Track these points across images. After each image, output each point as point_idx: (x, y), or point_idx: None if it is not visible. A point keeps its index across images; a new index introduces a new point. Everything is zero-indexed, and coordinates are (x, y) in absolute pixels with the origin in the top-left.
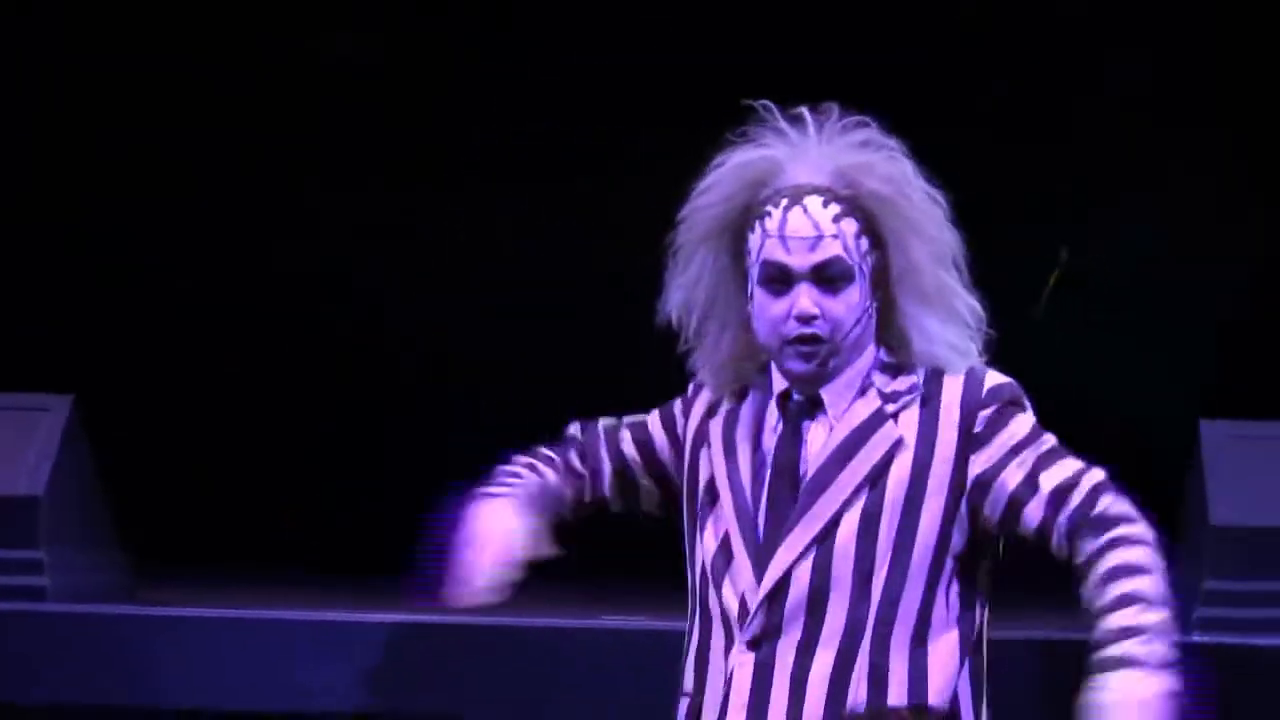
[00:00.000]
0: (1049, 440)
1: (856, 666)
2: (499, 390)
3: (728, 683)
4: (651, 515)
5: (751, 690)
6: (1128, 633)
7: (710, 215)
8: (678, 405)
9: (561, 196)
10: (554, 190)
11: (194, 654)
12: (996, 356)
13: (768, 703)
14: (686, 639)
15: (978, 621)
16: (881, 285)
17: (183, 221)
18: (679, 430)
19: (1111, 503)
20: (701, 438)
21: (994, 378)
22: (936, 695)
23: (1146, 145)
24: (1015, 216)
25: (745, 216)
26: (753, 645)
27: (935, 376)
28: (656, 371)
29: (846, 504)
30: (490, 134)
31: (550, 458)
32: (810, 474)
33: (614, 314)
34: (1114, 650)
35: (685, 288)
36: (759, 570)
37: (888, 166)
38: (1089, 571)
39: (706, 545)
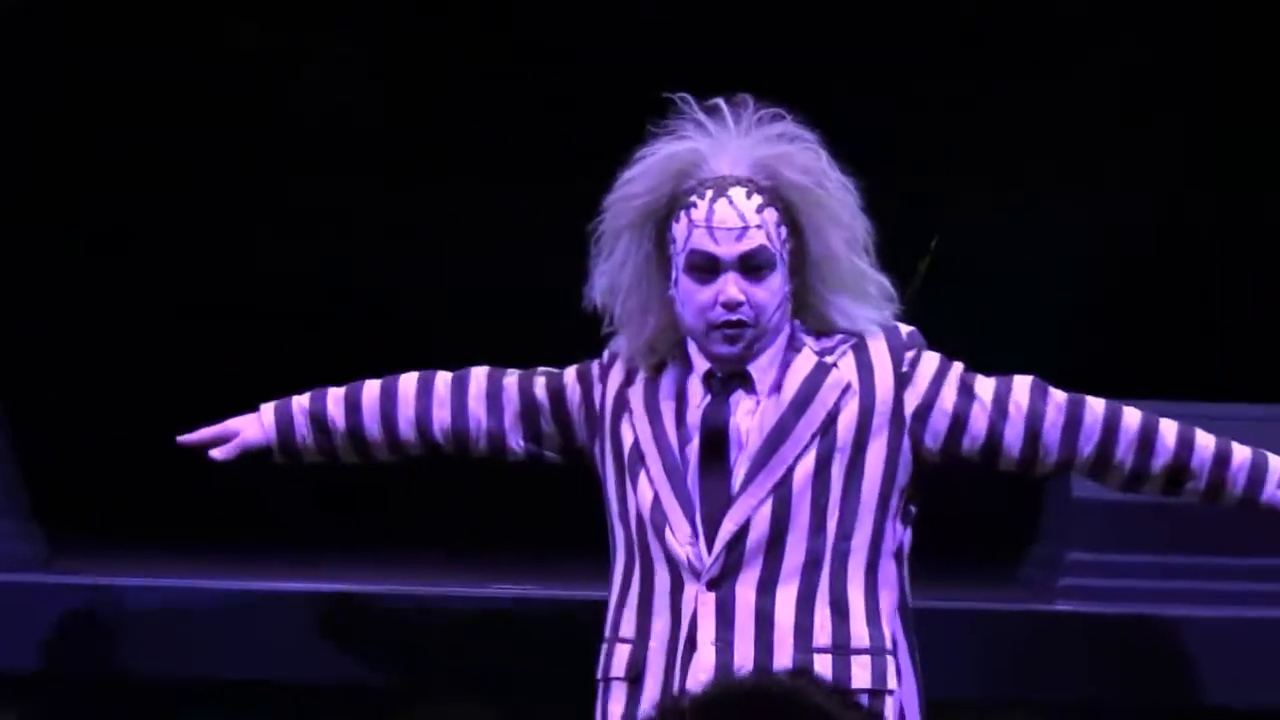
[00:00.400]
0: (960, 366)
1: (818, 598)
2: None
3: (692, 623)
4: (546, 459)
5: (717, 627)
6: (1228, 445)
7: (636, 205)
8: (595, 369)
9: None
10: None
11: (110, 622)
12: None
13: (733, 638)
14: (620, 588)
15: (906, 552)
16: (799, 270)
17: (93, 198)
18: (595, 394)
19: (1060, 393)
20: (622, 404)
21: (905, 326)
22: (887, 621)
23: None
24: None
25: (669, 206)
26: (712, 585)
27: (857, 335)
28: None
29: (803, 451)
30: (490, 133)
31: (431, 387)
32: (765, 431)
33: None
34: (1246, 452)
35: (610, 273)
36: (703, 523)
37: (804, 158)
38: (1110, 452)
39: (641, 500)
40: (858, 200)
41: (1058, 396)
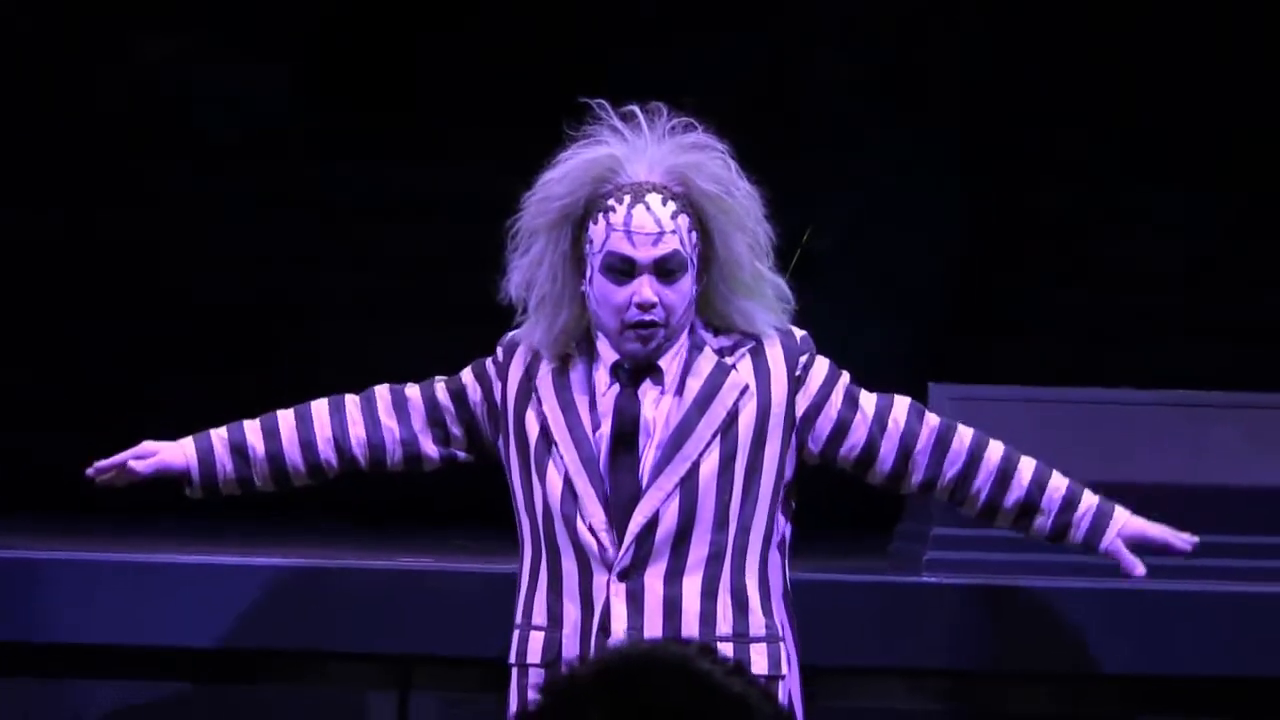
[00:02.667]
0: (847, 376)
1: (720, 588)
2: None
3: (605, 611)
4: (459, 460)
5: (629, 615)
6: (1079, 491)
7: (555, 206)
8: (490, 367)
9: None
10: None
11: (24, 593)
12: None
13: (644, 625)
14: (530, 577)
15: (789, 542)
16: (705, 271)
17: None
18: (495, 390)
19: (934, 417)
20: (526, 396)
21: (798, 331)
22: (777, 609)
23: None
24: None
25: (587, 208)
26: (623, 576)
27: (754, 337)
28: None
29: (706, 448)
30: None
31: (342, 406)
32: (671, 425)
33: None
34: (1093, 500)
35: (525, 269)
36: (612, 510)
37: (715, 167)
38: (969, 480)
39: (550, 489)
40: (761, 208)
41: (931, 420)
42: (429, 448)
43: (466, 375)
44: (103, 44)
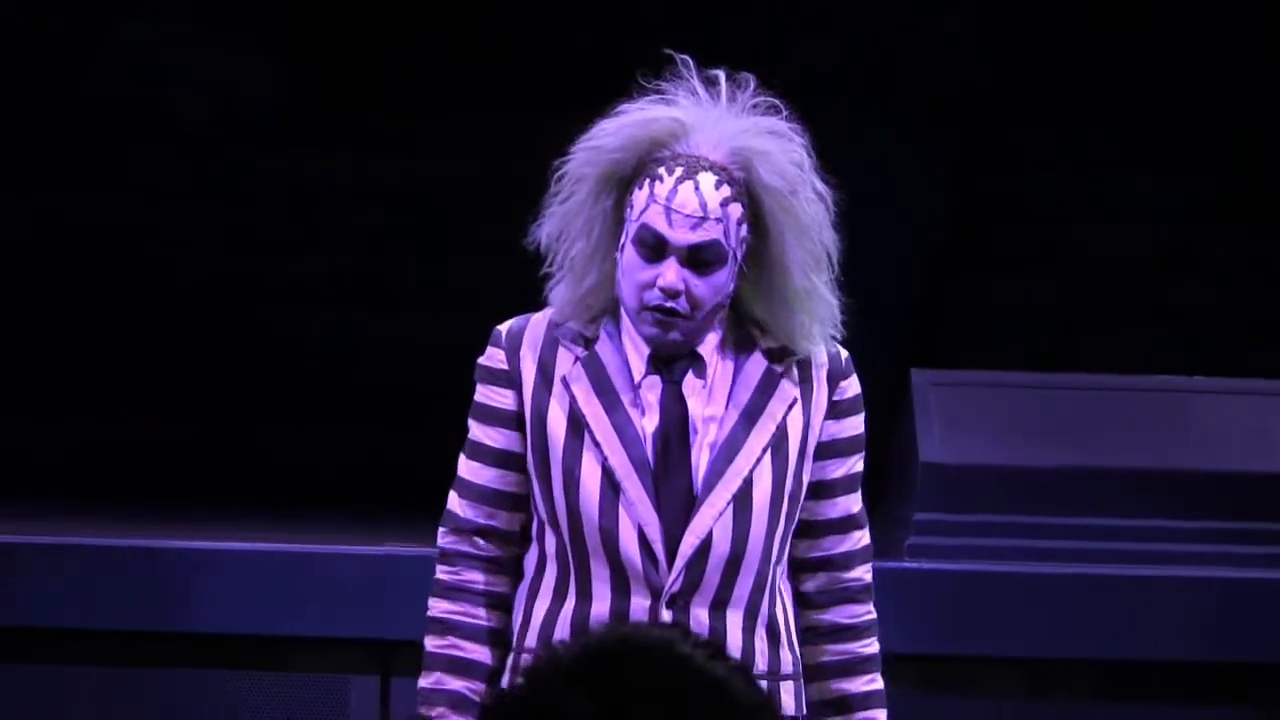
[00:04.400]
0: (863, 452)
1: (759, 622)
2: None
3: None
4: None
5: None
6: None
7: (604, 159)
8: (499, 361)
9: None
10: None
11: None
12: None
13: None
14: (553, 596)
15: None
16: (753, 268)
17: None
18: (517, 376)
19: (865, 595)
20: (545, 387)
21: (843, 351)
22: (798, 642)
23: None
24: None
25: (637, 170)
26: (671, 603)
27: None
28: None
29: (757, 464)
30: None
31: (476, 604)
32: (723, 431)
33: None
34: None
35: (561, 217)
36: (670, 525)
37: (785, 159)
38: (831, 645)
39: (586, 496)
40: (831, 214)
41: (861, 596)
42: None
43: (485, 393)
44: (85, 28)
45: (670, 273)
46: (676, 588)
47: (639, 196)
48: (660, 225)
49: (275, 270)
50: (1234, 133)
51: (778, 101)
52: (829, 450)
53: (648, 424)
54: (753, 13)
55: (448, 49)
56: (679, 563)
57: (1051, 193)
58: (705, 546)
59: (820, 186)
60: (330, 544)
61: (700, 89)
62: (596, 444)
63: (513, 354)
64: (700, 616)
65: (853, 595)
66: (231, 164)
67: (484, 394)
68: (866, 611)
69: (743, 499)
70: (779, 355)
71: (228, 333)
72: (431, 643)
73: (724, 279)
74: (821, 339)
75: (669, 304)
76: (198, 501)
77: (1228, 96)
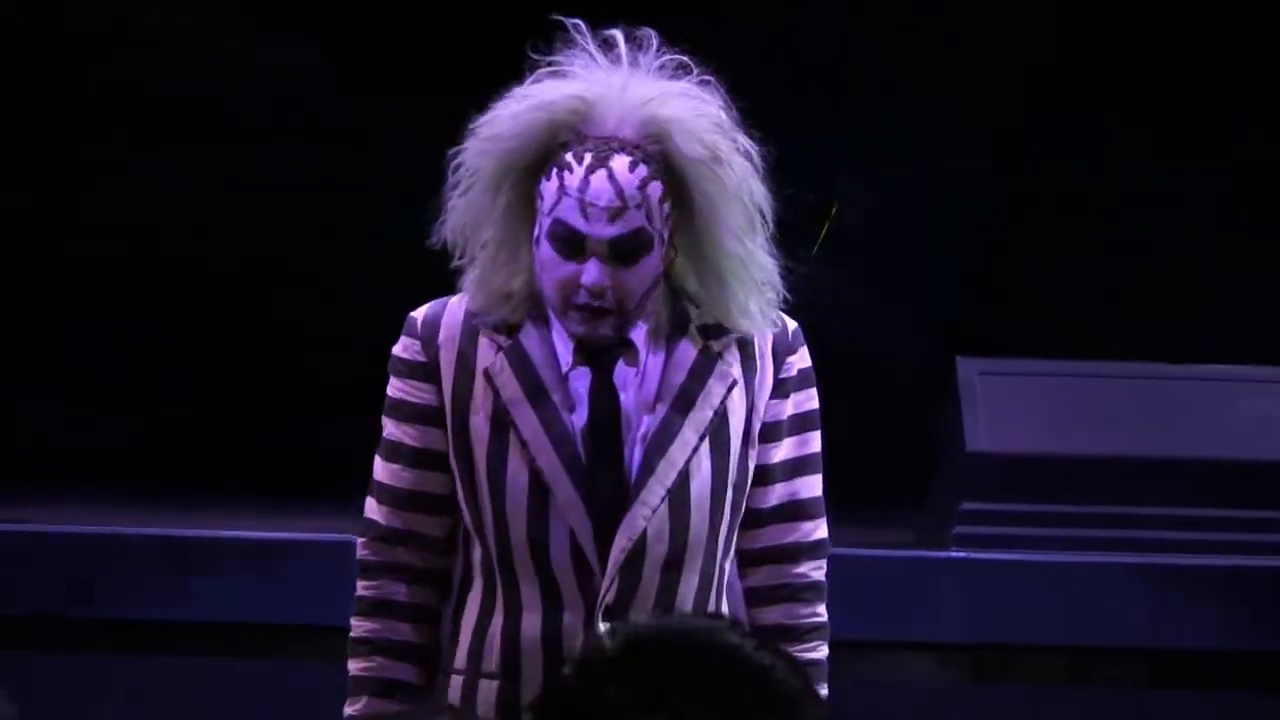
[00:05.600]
0: (817, 431)
1: None
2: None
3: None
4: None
5: None
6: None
7: (502, 149)
8: (412, 354)
9: None
10: None
11: (38, 567)
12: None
13: None
14: (479, 612)
15: None
16: (681, 242)
17: (42, 151)
18: (435, 369)
19: (812, 594)
20: (466, 385)
21: (789, 321)
22: None
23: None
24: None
25: (542, 157)
26: (609, 614)
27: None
28: None
29: (694, 455)
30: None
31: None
32: (653, 425)
33: None
34: None
35: (464, 211)
36: (603, 530)
37: (703, 124)
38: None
39: (512, 502)
40: (759, 169)
41: (806, 595)
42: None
43: (402, 387)
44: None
45: (593, 270)
46: (611, 598)
47: (548, 188)
48: (575, 220)
49: (296, 260)
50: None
51: (685, 58)
52: (771, 432)
53: (577, 420)
54: (800, 3)
55: (473, 36)
56: (611, 569)
57: (1096, 180)
58: (640, 549)
59: (744, 142)
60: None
61: (598, 55)
62: (523, 443)
63: (429, 344)
64: None
65: (796, 593)
66: (244, 154)
67: (399, 388)
68: (812, 613)
69: (678, 494)
70: (716, 332)
71: (250, 323)
72: (356, 665)
73: (652, 265)
74: (761, 311)
75: (596, 303)
76: (221, 490)
77: (1272, 83)
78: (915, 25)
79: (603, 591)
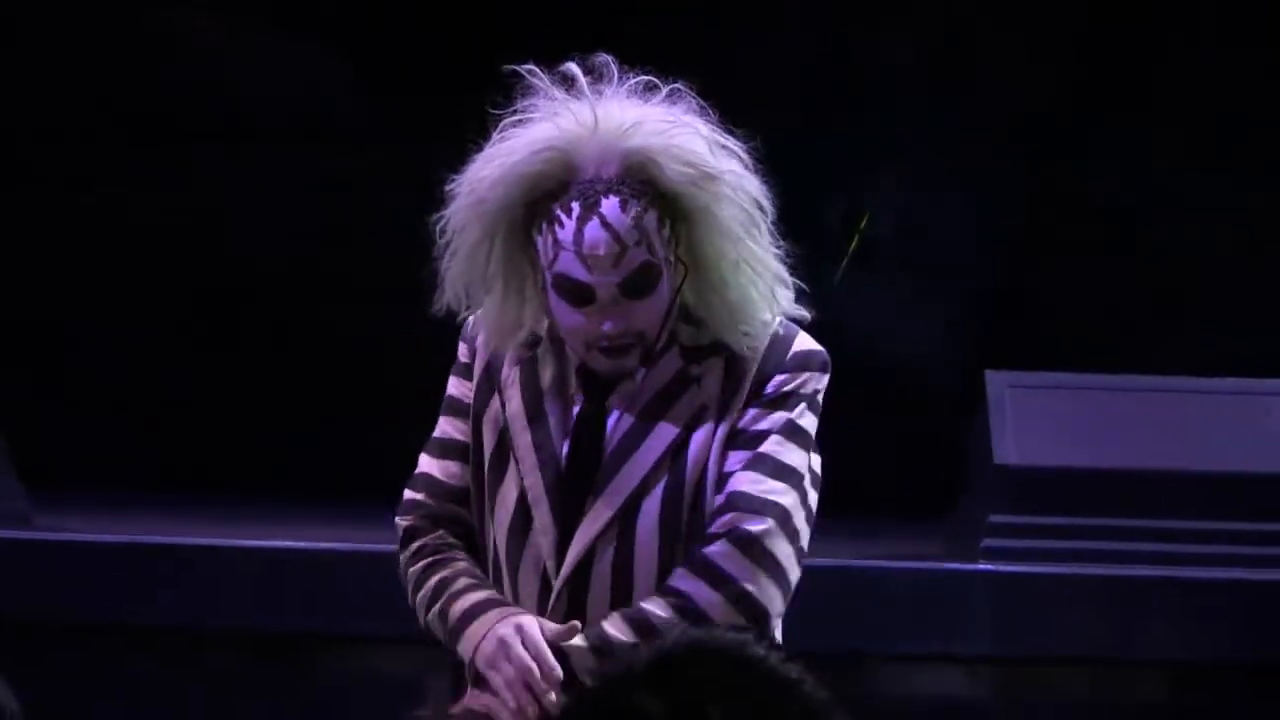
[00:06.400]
0: (780, 440)
1: None
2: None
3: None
4: None
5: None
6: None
7: (487, 213)
8: (464, 349)
9: None
10: None
11: (90, 575)
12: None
13: None
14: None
15: None
16: (686, 254)
17: (69, 158)
18: (472, 371)
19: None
20: (488, 393)
21: (804, 341)
22: None
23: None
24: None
25: (530, 214)
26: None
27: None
28: None
29: (648, 479)
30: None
31: (447, 544)
32: (615, 438)
33: None
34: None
35: (461, 274)
36: (565, 544)
37: (683, 143)
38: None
39: (500, 519)
40: (749, 164)
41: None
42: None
43: (452, 383)
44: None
45: (610, 317)
46: (561, 610)
47: (543, 243)
48: (578, 273)
49: (323, 264)
50: None
51: (650, 78)
52: (739, 440)
53: (568, 444)
54: (831, 11)
55: (496, 41)
56: (558, 584)
57: (1128, 191)
58: (585, 565)
59: (729, 143)
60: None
61: (558, 94)
62: (517, 462)
63: (473, 345)
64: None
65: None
66: (269, 158)
67: (451, 385)
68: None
69: (628, 513)
70: (698, 354)
71: (277, 327)
72: (413, 572)
73: (664, 293)
74: (765, 323)
75: (618, 343)
76: (250, 497)
77: None
78: (948, 31)
79: (550, 605)
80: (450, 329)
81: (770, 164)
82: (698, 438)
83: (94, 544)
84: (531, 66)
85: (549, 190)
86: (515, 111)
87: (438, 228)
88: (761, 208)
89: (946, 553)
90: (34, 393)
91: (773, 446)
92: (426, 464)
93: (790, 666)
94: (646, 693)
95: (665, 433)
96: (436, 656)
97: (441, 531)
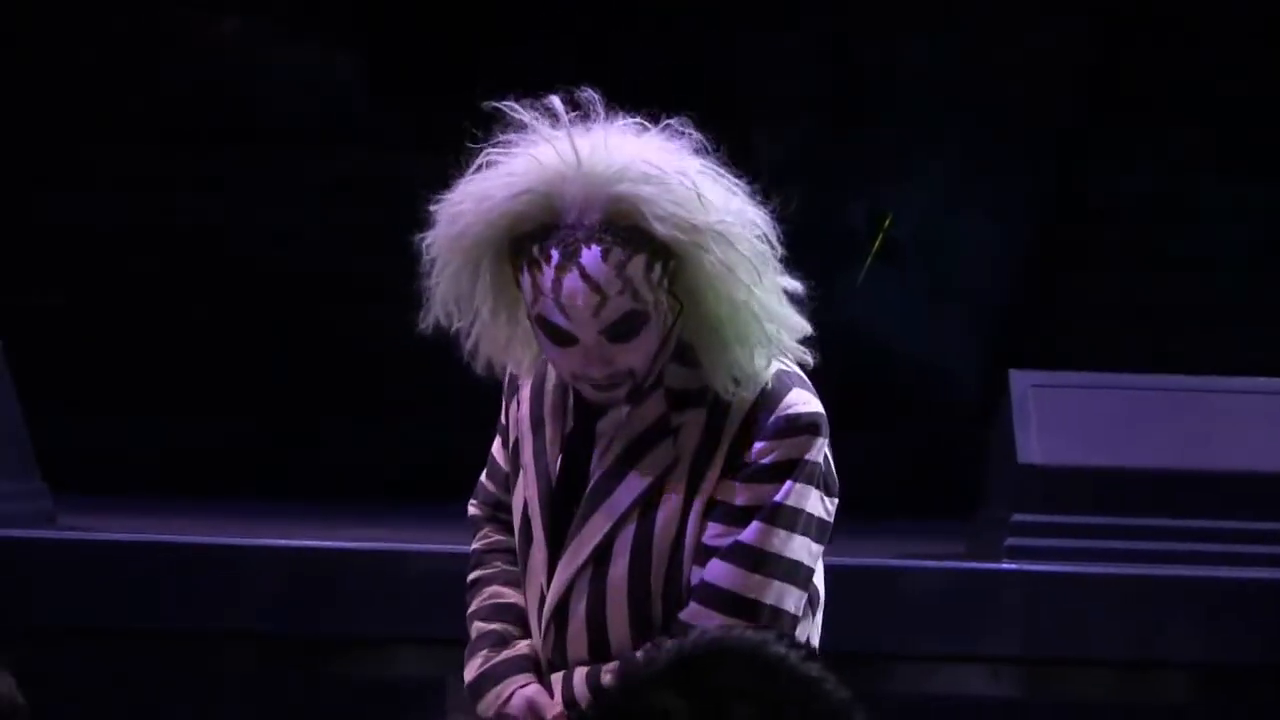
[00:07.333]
0: (763, 526)
1: None
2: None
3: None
4: None
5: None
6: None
7: (467, 246)
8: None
9: None
10: None
11: (112, 575)
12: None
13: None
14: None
15: None
16: (682, 293)
17: (95, 162)
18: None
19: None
20: (511, 396)
21: (792, 400)
22: None
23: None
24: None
25: (512, 253)
26: (551, 668)
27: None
28: None
29: (620, 523)
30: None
31: (502, 565)
32: (596, 474)
33: None
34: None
35: (447, 289)
36: (551, 565)
37: (671, 184)
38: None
39: (515, 512)
40: (746, 195)
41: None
42: None
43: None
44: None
45: (591, 362)
46: (548, 654)
47: (526, 282)
48: (558, 320)
49: (350, 266)
50: None
51: (642, 121)
52: (716, 513)
53: (560, 459)
54: (847, 13)
55: (517, 46)
56: (545, 615)
57: (1148, 193)
58: (564, 601)
59: (727, 183)
60: (424, 542)
61: (544, 130)
62: (523, 469)
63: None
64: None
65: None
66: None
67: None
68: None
69: (600, 559)
70: (684, 400)
71: (301, 329)
72: (473, 603)
73: (652, 339)
74: (748, 373)
75: (604, 383)
76: (276, 499)
77: None
78: (972, 34)
79: (542, 629)
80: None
81: (792, 168)
82: (670, 499)
83: (119, 543)
84: (512, 103)
85: (530, 231)
86: (497, 143)
87: (423, 248)
88: (769, 242)
89: (971, 552)
90: (57, 394)
91: (753, 534)
92: (493, 446)
93: (812, 665)
94: (668, 692)
95: (635, 484)
96: (452, 658)
97: (488, 530)
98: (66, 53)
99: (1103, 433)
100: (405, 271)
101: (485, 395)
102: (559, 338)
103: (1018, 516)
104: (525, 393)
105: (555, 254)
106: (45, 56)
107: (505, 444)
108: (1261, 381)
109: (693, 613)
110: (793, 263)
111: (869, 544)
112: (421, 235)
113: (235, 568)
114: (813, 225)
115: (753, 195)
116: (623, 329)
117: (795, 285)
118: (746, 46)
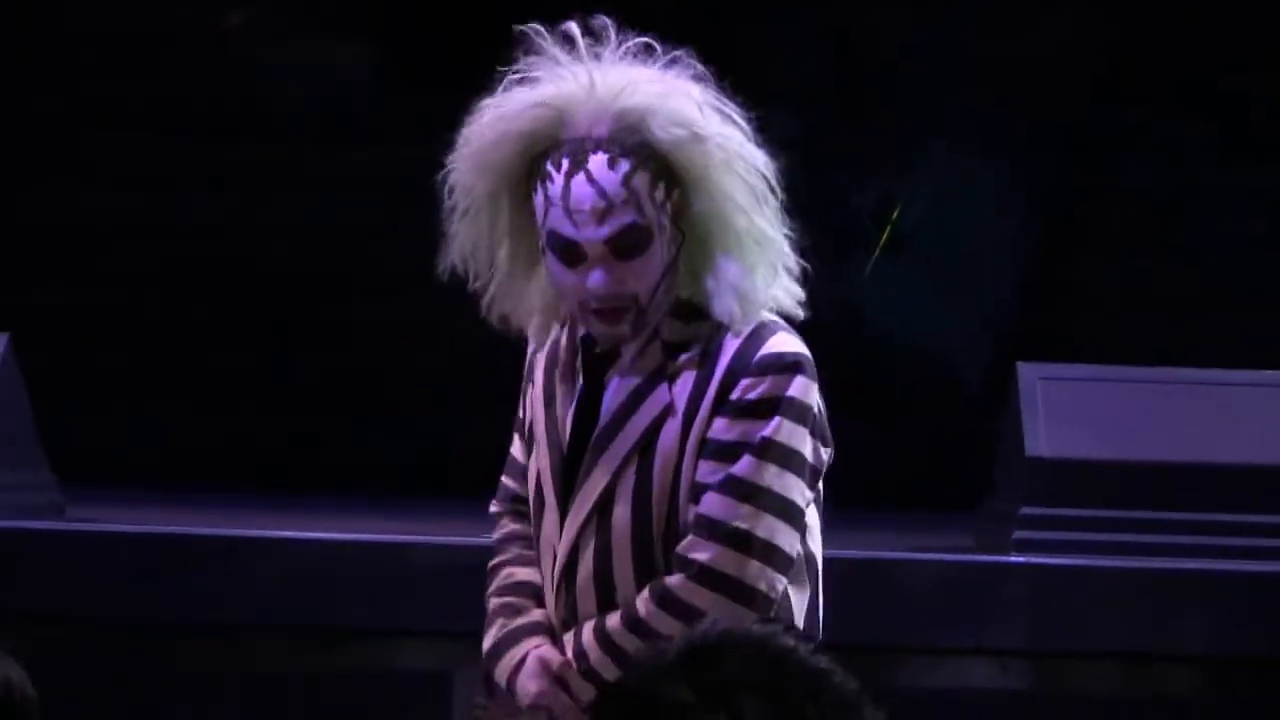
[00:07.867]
0: (754, 459)
1: None
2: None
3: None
4: None
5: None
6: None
7: (487, 167)
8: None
9: None
10: None
11: (120, 568)
12: (826, 308)
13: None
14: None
15: None
16: (685, 224)
17: (101, 159)
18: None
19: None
20: (529, 372)
21: (777, 342)
22: None
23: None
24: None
25: (528, 172)
26: (564, 628)
27: (723, 328)
28: None
29: (619, 472)
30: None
31: (524, 555)
32: (600, 426)
33: None
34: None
35: (467, 233)
36: (562, 527)
37: (677, 104)
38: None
39: (530, 484)
40: (749, 133)
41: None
42: None
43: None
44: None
45: (597, 276)
46: (562, 612)
47: (538, 201)
48: (565, 229)
49: (361, 260)
50: None
51: (648, 40)
52: (707, 450)
53: (570, 424)
54: (852, 4)
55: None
56: (556, 571)
57: (1161, 184)
58: (572, 560)
59: (727, 108)
60: (433, 534)
61: (561, 55)
62: (537, 442)
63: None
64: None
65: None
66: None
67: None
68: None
69: (604, 507)
70: (677, 350)
71: (311, 324)
72: (490, 585)
73: (656, 258)
74: (757, 299)
75: (609, 305)
76: (288, 491)
77: None
78: (979, 23)
79: (554, 587)
80: (454, 328)
81: (802, 153)
82: (664, 440)
83: (126, 535)
84: (537, 26)
85: (544, 149)
86: (518, 69)
87: (444, 187)
88: (768, 183)
89: (978, 545)
90: (64, 386)
91: (744, 467)
92: (512, 443)
93: (820, 657)
94: (678, 683)
95: (631, 433)
96: (456, 652)
97: (506, 521)
98: (68, 50)
99: (1111, 425)
100: (406, 271)
101: (485, 395)
102: (567, 252)
103: (1025, 509)
104: (539, 373)
105: (565, 162)
106: (46, 54)
107: (522, 437)
108: (1271, 374)
109: (688, 544)
110: (799, 254)
111: (876, 536)
112: (442, 174)
113: (238, 559)
114: (817, 217)
115: (748, 130)
116: (627, 242)
117: (795, 261)
118: (748, 37)
